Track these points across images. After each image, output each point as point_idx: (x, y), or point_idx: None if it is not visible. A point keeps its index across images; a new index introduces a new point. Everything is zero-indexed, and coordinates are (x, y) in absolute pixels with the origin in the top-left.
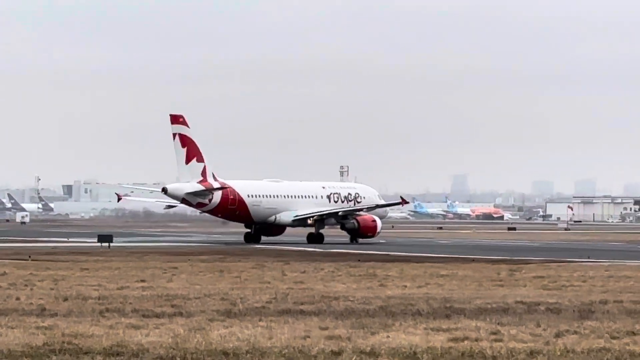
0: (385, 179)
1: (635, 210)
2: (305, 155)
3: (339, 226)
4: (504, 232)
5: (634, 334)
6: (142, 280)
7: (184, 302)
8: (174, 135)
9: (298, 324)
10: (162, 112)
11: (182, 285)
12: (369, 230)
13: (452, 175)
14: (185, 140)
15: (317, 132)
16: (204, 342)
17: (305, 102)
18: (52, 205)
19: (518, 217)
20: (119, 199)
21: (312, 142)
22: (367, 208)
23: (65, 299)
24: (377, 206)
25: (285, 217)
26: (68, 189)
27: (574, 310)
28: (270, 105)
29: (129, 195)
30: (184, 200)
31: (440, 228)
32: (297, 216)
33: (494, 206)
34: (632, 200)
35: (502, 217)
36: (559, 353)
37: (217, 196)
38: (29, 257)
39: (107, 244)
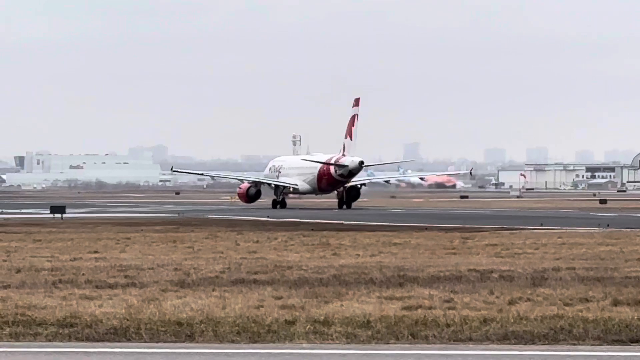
0: (338, 148)
1: (587, 177)
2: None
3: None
4: (456, 201)
5: (586, 300)
6: (95, 251)
7: (137, 273)
8: (355, 115)
9: (251, 294)
10: (118, 82)
11: (135, 255)
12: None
13: (404, 144)
14: (354, 120)
15: (269, 101)
16: (157, 313)
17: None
18: (4, 176)
19: (470, 185)
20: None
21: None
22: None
23: (18, 271)
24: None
25: None
26: (20, 160)
27: (526, 278)
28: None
29: (82, 167)
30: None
31: (393, 197)
32: None
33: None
34: (584, 168)
35: (454, 186)
36: (512, 320)
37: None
38: None
39: (59, 215)
